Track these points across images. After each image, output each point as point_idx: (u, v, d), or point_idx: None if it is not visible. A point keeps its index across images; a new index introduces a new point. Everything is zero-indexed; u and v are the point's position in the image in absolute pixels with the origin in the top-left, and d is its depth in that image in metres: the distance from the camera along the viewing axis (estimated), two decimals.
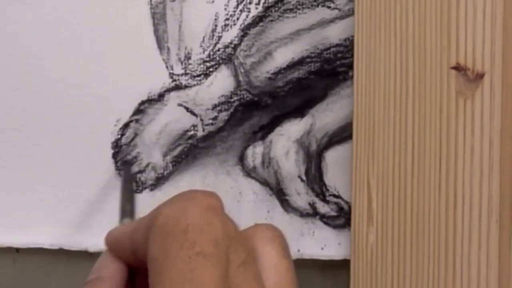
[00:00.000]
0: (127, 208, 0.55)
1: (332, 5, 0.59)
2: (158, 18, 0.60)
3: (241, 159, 0.61)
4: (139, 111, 0.62)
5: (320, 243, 0.62)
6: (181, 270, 0.43)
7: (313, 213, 0.62)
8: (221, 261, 0.43)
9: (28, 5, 0.61)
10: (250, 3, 0.60)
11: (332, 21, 0.59)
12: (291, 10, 0.59)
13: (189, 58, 0.61)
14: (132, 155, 0.62)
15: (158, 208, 0.47)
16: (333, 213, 0.61)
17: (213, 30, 0.60)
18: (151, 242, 0.45)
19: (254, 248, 0.46)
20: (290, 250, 0.62)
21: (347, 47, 0.59)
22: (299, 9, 0.59)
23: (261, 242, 0.46)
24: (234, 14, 0.60)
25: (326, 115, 0.60)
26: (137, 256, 0.47)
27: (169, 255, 0.44)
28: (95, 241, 0.63)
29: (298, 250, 0.62)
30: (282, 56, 0.60)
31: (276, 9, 0.60)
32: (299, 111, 0.61)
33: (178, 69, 0.61)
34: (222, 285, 0.43)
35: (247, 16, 0.60)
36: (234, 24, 0.60)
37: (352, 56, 0.58)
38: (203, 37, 0.60)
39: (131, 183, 0.59)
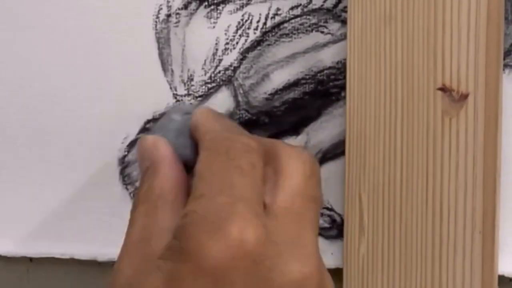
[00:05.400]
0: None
1: (325, 30, 0.59)
2: (163, 43, 0.60)
3: None
4: (145, 129, 0.61)
5: None
6: (221, 178, 0.42)
7: None
8: (257, 182, 0.42)
9: (40, 30, 0.61)
10: (248, 28, 0.59)
11: (325, 45, 0.59)
12: (287, 35, 0.59)
13: (192, 79, 0.60)
14: (139, 171, 0.62)
15: (208, 131, 0.48)
16: (326, 225, 0.61)
17: (214, 54, 0.60)
18: (198, 159, 0.45)
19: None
20: None
21: (339, 69, 0.59)
22: (294, 34, 0.59)
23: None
24: (234, 39, 0.60)
25: (320, 133, 0.60)
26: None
27: (213, 169, 0.43)
28: (104, 251, 0.63)
29: None
30: (279, 78, 0.60)
31: (273, 34, 0.59)
32: (295, 129, 0.60)
33: (181, 90, 0.61)
34: (257, 198, 0.42)
35: (246, 40, 0.60)
36: (234, 48, 0.60)
37: (345, 78, 0.57)
38: (205, 60, 0.60)
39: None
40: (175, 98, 0.61)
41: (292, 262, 0.42)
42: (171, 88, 0.61)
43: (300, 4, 0.59)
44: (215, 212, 0.41)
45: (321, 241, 0.61)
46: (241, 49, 0.60)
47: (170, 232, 0.43)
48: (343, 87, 0.58)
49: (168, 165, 0.49)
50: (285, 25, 0.59)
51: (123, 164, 0.62)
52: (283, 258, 0.41)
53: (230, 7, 0.59)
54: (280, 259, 0.41)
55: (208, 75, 0.60)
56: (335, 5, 0.58)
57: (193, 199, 0.43)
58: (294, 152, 0.47)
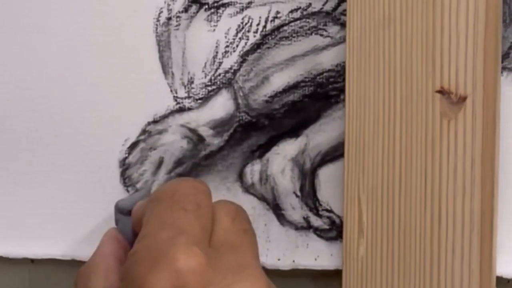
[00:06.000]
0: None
1: (324, 33, 0.58)
2: (163, 46, 0.60)
3: (240, 176, 0.61)
4: (146, 131, 0.61)
5: (313, 254, 0.61)
6: (164, 218, 0.44)
7: (307, 227, 0.61)
8: (201, 219, 0.45)
9: (42, 34, 0.61)
10: (248, 31, 0.59)
11: (324, 48, 0.59)
12: (286, 38, 0.59)
13: (192, 82, 0.60)
14: (139, 173, 0.62)
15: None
16: (326, 226, 0.61)
17: (214, 57, 0.60)
18: (146, 212, 0.47)
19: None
20: (285, 261, 0.61)
21: (338, 72, 0.59)
22: (294, 37, 0.59)
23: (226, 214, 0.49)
24: (234, 42, 0.60)
25: (319, 135, 0.60)
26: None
27: (156, 212, 0.45)
28: None
29: (293, 261, 0.61)
30: (278, 81, 0.60)
31: (273, 37, 0.59)
32: (294, 132, 0.60)
33: (181, 93, 0.61)
34: (201, 232, 0.43)
35: (245, 43, 0.60)
36: (234, 51, 0.60)
37: (344, 80, 0.57)
38: (205, 63, 0.60)
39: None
40: (176, 100, 0.61)
41: (239, 283, 0.42)
42: (171, 90, 0.61)
43: (300, 7, 0.59)
44: (155, 247, 0.42)
45: (321, 243, 0.61)
46: (241, 52, 0.60)
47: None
48: (342, 90, 0.58)
49: (105, 242, 0.54)
50: (285, 28, 0.59)
51: (124, 166, 0.62)
52: (228, 281, 0.42)
53: (230, 10, 0.59)
54: (225, 282, 0.42)
55: (208, 77, 0.60)
56: (334, 8, 0.58)
57: (137, 242, 0.45)
58: (222, 204, 0.51)
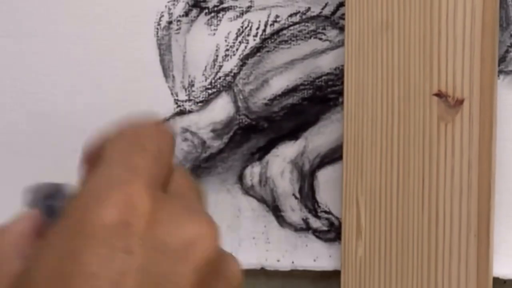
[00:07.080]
0: None
1: (323, 37, 0.59)
2: (164, 49, 0.60)
3: (240, 178, 0.61)
4: None
5: (312, 255, 0.61)
6: (120, 155, 0.41)
7: (306, 228, 0.61)
8: (159, 162, 0.42)
9: (43, 37, 0.61)
10: (248, 35, 0.59)
11: (323, 51, 0.59)
12: (286, 41, 0.59)
13: (193, 85, 0.60)
14: None
15: None
16: (325, 228, 0.61)
17: (215, 60, 0.60)
18: (103, 151, 0.43)
19: None
20: (285, 262, 0.61)
21: (337, 75, 0.59)
22: (293, 40, 0.59)
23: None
24: (234, 45, 0.60)
25: (318, 138, 0.60)
26: None
27: (113, 149, 0.41)
28: None
29: (292, 262, 0.61)
30: (278, 84, 0.60)
31: (272, 40, 0.59)
32: (293, 134, 0.60)
33: (182, 96, 0.61)
34: (157, 179, 0.41)
35: (245, 47, 0.60)
36: (234, 55, 0.60)
37: (342, 83, 0.57)
38: (205, 66, 0.60)
39: None
40: (176, 103, 0.61)
41: (189, 224, 0.42)
42: (172, 93, 0.61)
43: (299, 11, 0.59)
44: (105, 181, 0.40)
45: (320, 244, 0.61)
46: (241, 56, 0.60)
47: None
48: (341, 93, 0.58)
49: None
50: (284, 32, 0.59)
51: None
52: (177, 224, 0.41)
53: (230, 14, 0.59)
54: (174, 224, 0.41)
55: (208, 81, 0.60)
56: (333, 13, 0.58)
57: (88, 176, 0.42)
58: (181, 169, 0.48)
